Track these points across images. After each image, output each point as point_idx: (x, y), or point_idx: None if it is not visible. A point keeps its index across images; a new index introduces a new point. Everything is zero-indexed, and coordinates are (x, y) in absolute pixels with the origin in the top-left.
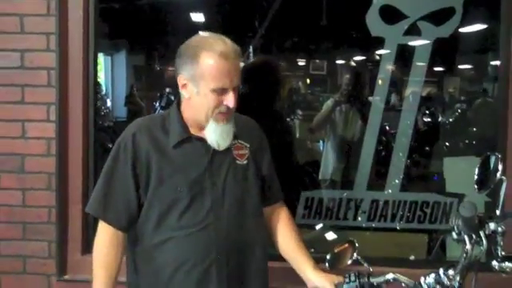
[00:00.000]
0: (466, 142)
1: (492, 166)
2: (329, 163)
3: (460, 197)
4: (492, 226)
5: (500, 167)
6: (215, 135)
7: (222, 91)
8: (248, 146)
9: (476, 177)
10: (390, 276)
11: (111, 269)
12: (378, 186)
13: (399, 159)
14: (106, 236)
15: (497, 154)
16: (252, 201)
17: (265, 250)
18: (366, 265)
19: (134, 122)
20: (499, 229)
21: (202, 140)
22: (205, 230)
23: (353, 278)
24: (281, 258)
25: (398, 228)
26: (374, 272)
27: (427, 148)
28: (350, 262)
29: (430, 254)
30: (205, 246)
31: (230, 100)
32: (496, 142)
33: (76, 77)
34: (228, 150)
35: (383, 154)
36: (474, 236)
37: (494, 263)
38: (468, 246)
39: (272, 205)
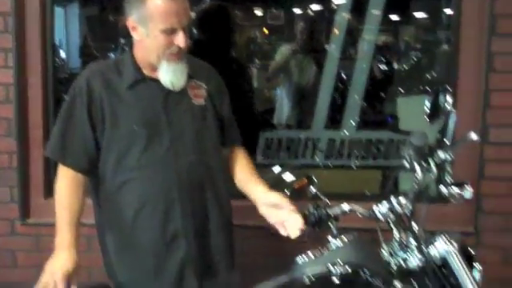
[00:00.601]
0: (421, 87)
1: (442, 98)
2: (283, 109)
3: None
4: (441, 154)
5: (449, 100)
6: (168, 75)
7: (171, 31)
8: (204, 85)
9: (427, 109)
10: (345, 207)
11: (74, 210)
12: (335, 127)
13: (355, 101)
14: (66, 179)
15: (446, 87)
16: (212, 139)
17: (227, 186)
18: (323, 198)
19: (88, 66)
20: (448, 157)
21: (157, 81)
22: (165, 168)
23: (311, 210)
24: (242, 196)
25: (353, 165)
26: (332, 205)
27: (382, 92)
28: (308, 196)
29: (383, 189)
30: (166, 184)
31: (180, 40)
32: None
33: (33, 22)
34: (184, 91)
35: (339, 97)
36: (424, 164)
37: (443, 190)
38: (419, 174)
39: (230, 147)
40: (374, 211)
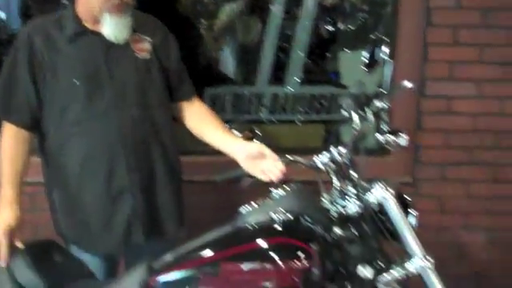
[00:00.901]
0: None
1: (379, 49)
2: (228, 66)
3: None
4: (377, 103)
5: (386, 50)
6: (111, 28)
7: None
8: (149, 39)
9: (366, 59)
10: (288, 158)
11: (17, 164)
12: (279, 83)
13: (298, 58)
14: (10, 136)
15: (384, 37)
16: (157, 93)
17: (173, 141)
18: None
19: (29, 22)
20: (383, 106)
21: (99, 34)
22: (107, 122)
23: None
24: (188, 152)
25: (297, 120)
26: None
27: (326, 50)
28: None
29: (326, 142)
30: (109, 139)
31: None
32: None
33: None
34: (127, 44)
35: (283, 54)
36: (361, 113)
37: (380, 137)
38: (357, 123)
39: (187, 100)
40: (314, 161)
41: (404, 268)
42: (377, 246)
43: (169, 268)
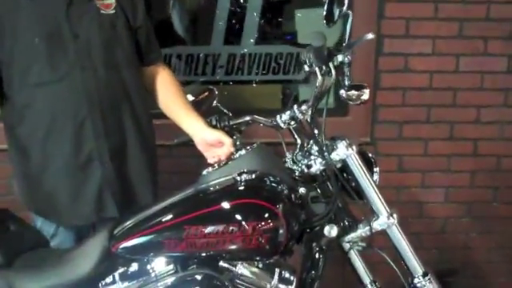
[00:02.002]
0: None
1: (338, 1)
2: (182, 26)
3: None
4: (339, 57)
5: (346, 1)
6: None
7: None
8: None
9: (325, 12)
10: (247, 117)
11: None
12: (235, 42)
13: (253, 17)
14: None
15: None
16: (124, 53)
17: (145, 106)
18: (225, 110)
19: None
20: (346, 59)
21: None
22: (71, 84)
23: (214, 123)
24: (163, 116)
25: (254, 80)
26: (234, 117)
27: (282, 9)
28: (211, 105)
29: (284, 103)
30: (73, 100)
31: None
32: None
33: None
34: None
35: (237, 14)
36: (323, 67)
37: (342, 92)
38: (319, 77)
39: (155, 65)
40: (276, 120)
41: (369, 225)
42: (341, 205)
43: (131, 234)
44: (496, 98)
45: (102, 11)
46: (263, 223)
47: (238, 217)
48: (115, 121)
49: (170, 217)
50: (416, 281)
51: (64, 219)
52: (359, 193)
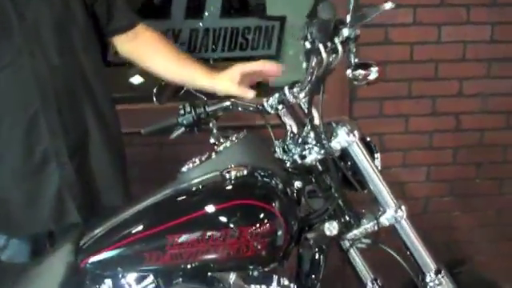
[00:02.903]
0: None
1: None
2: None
3: (281, 19)
4: (345, 31)
5: None
6: None
7: None
8: None
9: None
10: (227, 103)
11: None
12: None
13: None
14: None
15: None
16: (79, 32)
17: (108, 94)
18: (199, 95)
19: None
20: (353, 34)
21: None
22: (18, 73)
23: (188, 109)
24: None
25: (219, 58)
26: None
27: None
28: (181, 93)
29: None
30: (22, 92)
31: None
32: None
33: None
34: None
35: None
36: (329, 44)
37: (348, 72)
38: (323, 55)
39: (119, 32)
40: (261, 104)
41: (375, 220)
42: (342, 199)
43: (102, 246)
44: (479, 70)
45: None
46: (260, 226)
47: (231, 221)
48: (73, 113)
49: (148, 224)
50: (428, 279)
51: (16, 228)
52: (361, 183)
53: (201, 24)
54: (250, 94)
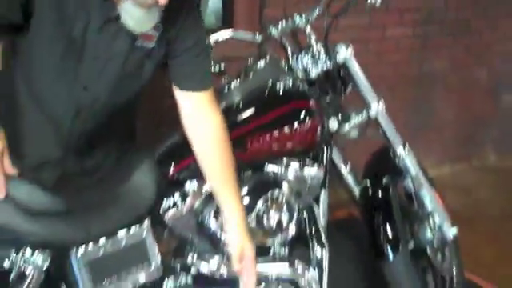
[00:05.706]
0: None
1: None
2: None
3: None
4: None
5: None
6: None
7: None
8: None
9: None
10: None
11: None
12: None
13: None
14: None
15: None
16: (138, 85)
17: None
18: None
19: None
20: None
21: None
22: (56, 126)
23: None
24: None
25: None
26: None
27: None
28: None
29: None
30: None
31: None
32: None
33: None
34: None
35: None
36: None
37: None
38: None
39: (189, 89)
40: (270, 31)
41: (364, 114)
42: (338, 100)
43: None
44: None
45: (137, 42)
46: (311, 121)
47: (292, 121)
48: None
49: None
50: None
51: None
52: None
53: None
54: (236, 267)
